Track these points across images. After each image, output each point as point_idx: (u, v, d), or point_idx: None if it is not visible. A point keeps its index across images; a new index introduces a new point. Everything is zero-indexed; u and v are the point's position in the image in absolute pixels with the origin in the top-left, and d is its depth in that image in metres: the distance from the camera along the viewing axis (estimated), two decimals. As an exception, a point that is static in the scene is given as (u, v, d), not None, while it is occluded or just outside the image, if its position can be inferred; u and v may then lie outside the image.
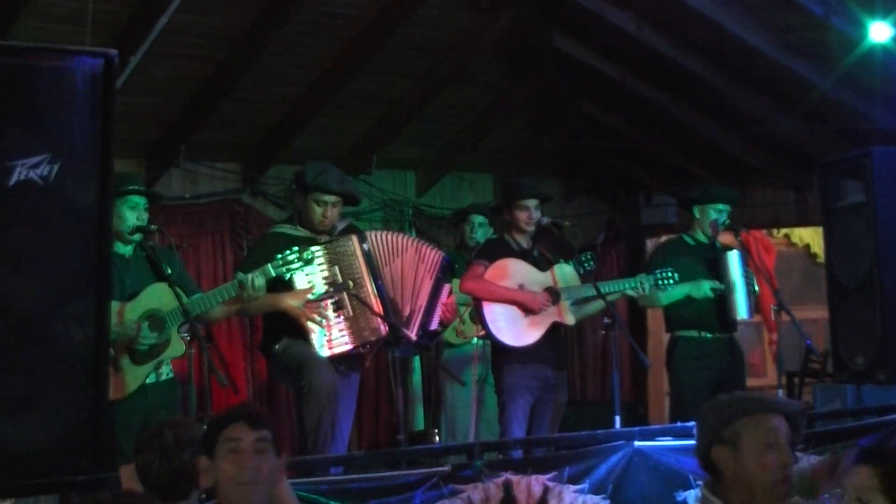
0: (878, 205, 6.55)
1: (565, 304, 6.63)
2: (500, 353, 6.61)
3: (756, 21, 7.60)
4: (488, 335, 6.64)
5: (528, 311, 6.53)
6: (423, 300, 6.14)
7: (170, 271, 5.40)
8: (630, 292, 6.73)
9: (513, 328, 6.52)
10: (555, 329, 6.63)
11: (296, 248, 5.64)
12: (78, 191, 3.99)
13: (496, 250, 6.70)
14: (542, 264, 6.70)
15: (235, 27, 7.42)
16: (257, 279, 5.54)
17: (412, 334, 6.05)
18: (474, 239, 7.83)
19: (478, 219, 7.90)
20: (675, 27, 8.03)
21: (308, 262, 5.69)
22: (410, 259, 6.16)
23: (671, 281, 6.76)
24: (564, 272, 6.70)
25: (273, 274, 5.60)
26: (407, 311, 6.06)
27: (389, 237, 6.20)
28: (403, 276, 6.11)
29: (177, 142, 8.36)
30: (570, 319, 6.67)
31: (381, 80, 8.53)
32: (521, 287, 6.56)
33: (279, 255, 5.61)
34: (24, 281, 3.92)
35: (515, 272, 6.60)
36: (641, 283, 6.68)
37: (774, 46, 7.73)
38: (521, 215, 6.64)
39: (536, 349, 6.53)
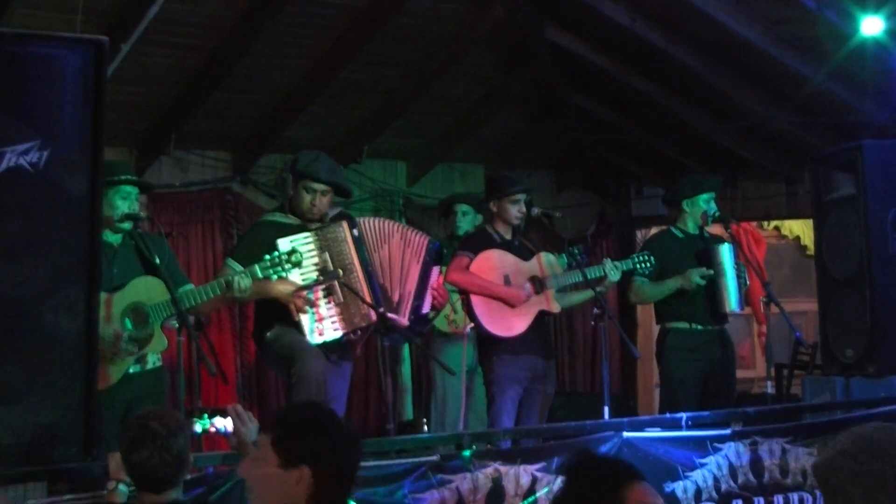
0: (869, 198, 6.56)
1: (551, 291, 6.64)
2: (489, 343, 6.62)
3: (748, 14, 7.60)
4: (476, 326, 6.65)
5: (510, 305, 6.55)
6: (411, 285, 6.13)
7: (158, 261, 5.36)
8: (606, 282, 6.73)
9: (501, 319, 6.53)
10: (541, 318, 6.65)
11: (284, 251, 5.61)
12: (68, 178, 3.98)
13: (479, 242, 6.71)
14: (525, 254, 6.72)
15: (228, 16, 7.40)
16: (244, 280, 5.51)
17: (404, 319, 6.06)
18: (461, 228, 7.81)
19: (462, 208, 7.89)
20: (667, 20, 8.03)
21: (297, 264, 5.66)
22: (397, 244, 6.16)
23: (648, 264, 6.80)
24: (550, 260, 6.72)
25: (260, 275, 5.55)
26: (396, 297, 6.06)
27: (378, 223, 6.19)
28: (391, 261, 6.11)
29: (168, 130, 8.33)
30: (556, 307, 6.69)
31: (374, 71, 8.52)
32: (506, 278, 6.58)
33: (267, 256, 5.58)
34: (14, 269, 3.92)
35: (500, 263, 6.61)
36: (616, 267, 6.69)
37: (767, 39, 7.74)
38: (512, 209, 6.65)
39: (525, 339, 6.55)
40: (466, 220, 7.84)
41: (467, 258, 6.60)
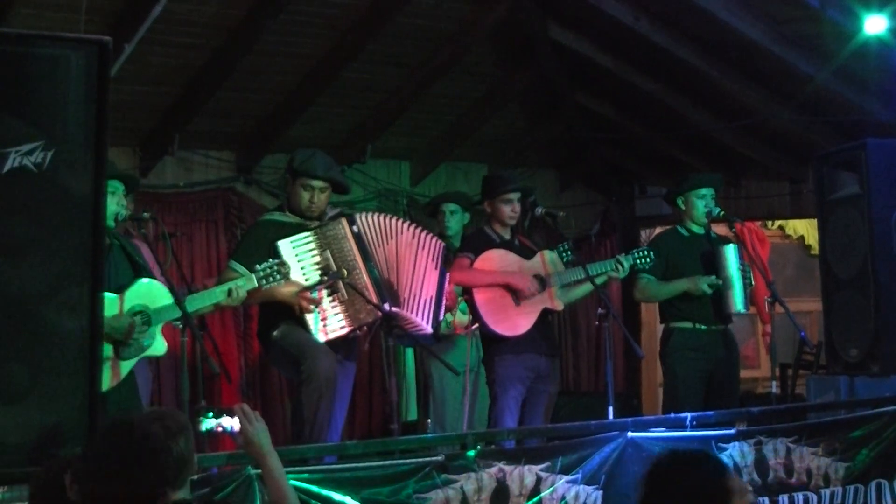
0: (873, 197, 6.56)
1: (554, 289, 6.63)
2: (492, 343, 6.61)
3: (752, 13, 7.59)
4: (480, 326, 6.65)
5: (517, 293, 6.54)
6: (430, 290, 6.13)
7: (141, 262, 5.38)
8: (613, 273, 6.71)
9: (505, 318, 6.52)
10: (544, 316, 6.64)
11: (275, 262, 5.62)
12: (72, 179, 3.98)
13: (478, 243, 6.71)
14: (527, 253, 6.71)
15: (230, 16, 7.40)
16: (240, 291, 5.53)
17: (428, 326, 6.08)
18: (450, 228, 7.79)
19: (450, 207, 7.85)
20: (671, 18, 8.03)
21: (285, 276, 5.66)
22: (407, 242, 6.14)
23: (648, 259, 6.80)
24: (552, 258, 6.72)
25: (256, 284, 5.58)
26: (406, 294, 6.04)
27: (381, 219, 6.16)
28: (399, 258, 6.09)
29: (171, 130, 8.34)
30: (559, 305, 6.69)
31: (376, 70, 8.52)
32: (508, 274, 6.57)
33: (259, 267, 5.59)
34: (18, 269, 3.92)
35: (503, 263, 6.60)
36: (620, 263, 6.68)
37: (770, 38, 7.73)
38: (505, 209, 6.64)
39: (529, 338, 6.54)
40: (455, 219, 7.81)
41: (468, 259, 6.59)
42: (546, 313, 6.67)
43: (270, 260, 5.64)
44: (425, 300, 6.11)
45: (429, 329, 6.14)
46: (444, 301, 6.27)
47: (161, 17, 6.84)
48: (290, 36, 7.79)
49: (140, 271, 5.41)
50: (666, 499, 2.96)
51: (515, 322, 6.53)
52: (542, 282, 6.62)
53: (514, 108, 9.86)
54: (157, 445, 3.22)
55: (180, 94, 8.11)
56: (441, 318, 6.31)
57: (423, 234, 6.24)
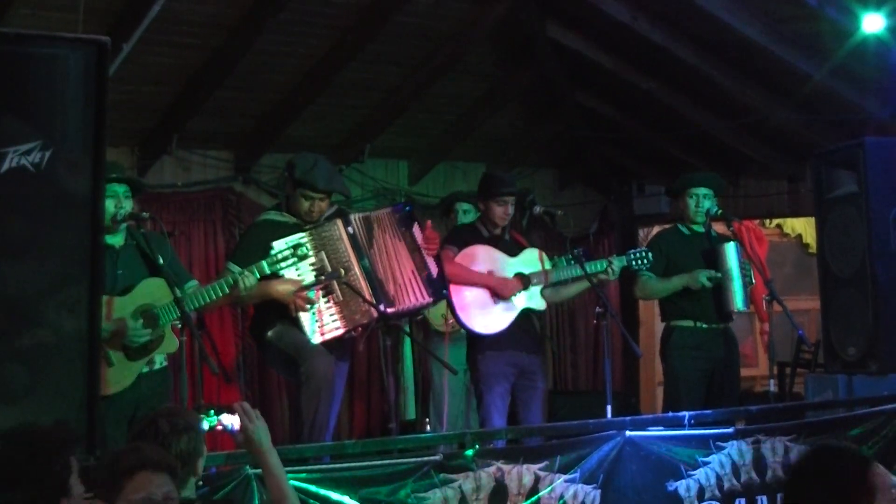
0: (871, 195, 6.56)
1: (535, 288, 6.62)
2: (473, 341, 6.61)
3: (750, 11, 7.59)
4: (456, 322, 6.64)
5: (498, 296, 6.53)
6: (409, 265, 6.10)
7: (161, 261, 5.37)
8: (602, 275, 6.70)
9: (482, 315, 6.50)
10: (526, 314, 6.62)
11: (290, 244, 5.63)
12: (70, 178, 3.99)
13: (464, 237, 6.70)
14: (514, 250, 6.70)
15: (229, 15, 7.40)
16: (248, 279, 5.54)
17: (428, 297, 6.08)
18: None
19: (463, 206, 7.86)
20: (669, 17, 8.03)
21: (303, 258, 5.68)
22: (380, 234, 6.11)
23: (645, 261, 6.80)
24: (545, 256, 6.71)
25: (267, 271, 5.60)
26: (395, 289, 6.02)
27: (364, 219, 6.15)
28: (382, 251, 6.08)
29: (169, 130, 8.33)
30: (540, 305, 6.66)
31: (375, 69, 8.51)
32: (490, 273, 6.56)
33: (273, 251, 5.61)
34: (17, 269, 3.93)
35: (484, 258, 6.59)
36: (611, 264, 6.67)
37: (768, 37, 7.73)
38: (498, 210, 6.63)
39: (509, 335, 6.52)
40: (467, 218, 7.81)
41: (451, 252, 6.58)
42: (527, 311, 6.65)
43: (286, 242, 5.66)
44: (409, 280, 6.08)
45: (430, 299, 6.13)
46: (425, 258, 6.23)
47: (159, 17, 6.83)
48: (290, 35, 7.78)
49: (158, 270, 5.40)
50: (810, 495, 2.95)
51: (493, 320, 6.51)
52: (526, 280, 6.60)
53: (513, 108, 9.85)
54: (48, 456, 3.12)
55: (179, 93, 8.10)
56: (434, 272, 6.26)
57: (382, 215, 6.21)
